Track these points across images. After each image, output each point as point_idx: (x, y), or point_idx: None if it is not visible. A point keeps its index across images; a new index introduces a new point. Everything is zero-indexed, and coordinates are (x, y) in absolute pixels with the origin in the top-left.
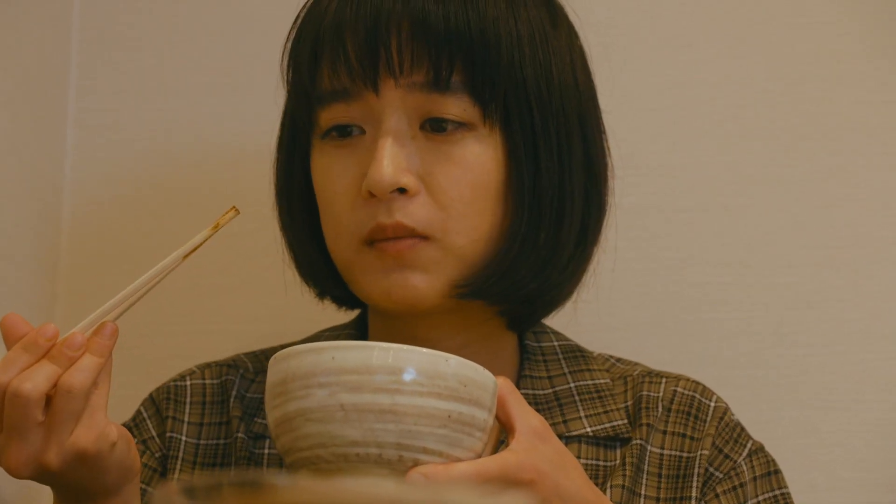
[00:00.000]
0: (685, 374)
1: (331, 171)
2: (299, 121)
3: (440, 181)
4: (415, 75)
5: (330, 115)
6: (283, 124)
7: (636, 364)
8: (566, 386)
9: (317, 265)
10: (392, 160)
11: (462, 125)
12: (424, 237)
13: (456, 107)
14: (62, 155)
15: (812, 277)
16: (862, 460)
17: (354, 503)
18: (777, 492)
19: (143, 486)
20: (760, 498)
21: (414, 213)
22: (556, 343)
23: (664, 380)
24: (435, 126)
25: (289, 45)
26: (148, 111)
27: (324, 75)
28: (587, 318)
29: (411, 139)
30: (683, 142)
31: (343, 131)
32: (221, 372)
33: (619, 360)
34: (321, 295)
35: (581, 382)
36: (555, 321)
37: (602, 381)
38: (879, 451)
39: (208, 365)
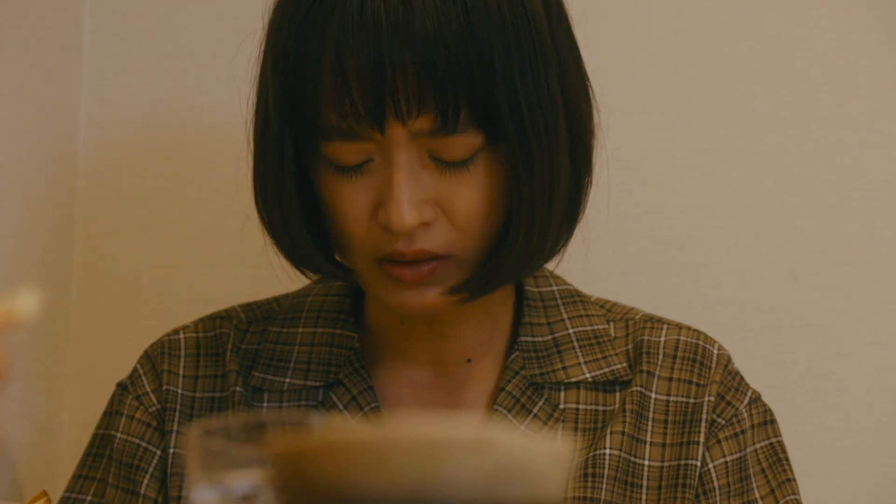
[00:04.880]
0: (701, 317)
1: (340, 193)
2: (293, 128)
3: (457, 206)
4: (421, 120)
5: (334, 149)
6: (264, 118)
7: (633, 308)
8: (565, 332)
9: (317, 261)
10: (410, 201)
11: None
12: (444, 257)
13: (464, 142)
14: (77, 100)
15: (826, 222)
16: (875, 403)
17: (400, 444)
18: (773, 440)
19: (137, 440)
20: (758, 445)
21: (434, 239)
22: (555, 288)
23: (665, 326)
24: (446, 160)
25: (278, 47)
26: (162, 56)
27: (328, 111)
28: (604, 263)
29: (422, 168)
30: (697, 87)
31: (350, 167)
32: (215, 325)
33: (615, 304)
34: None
35: (580, 328)
36: (571, 266)
37: (600, 326)
38: (893, 395)
39: (202, 319)
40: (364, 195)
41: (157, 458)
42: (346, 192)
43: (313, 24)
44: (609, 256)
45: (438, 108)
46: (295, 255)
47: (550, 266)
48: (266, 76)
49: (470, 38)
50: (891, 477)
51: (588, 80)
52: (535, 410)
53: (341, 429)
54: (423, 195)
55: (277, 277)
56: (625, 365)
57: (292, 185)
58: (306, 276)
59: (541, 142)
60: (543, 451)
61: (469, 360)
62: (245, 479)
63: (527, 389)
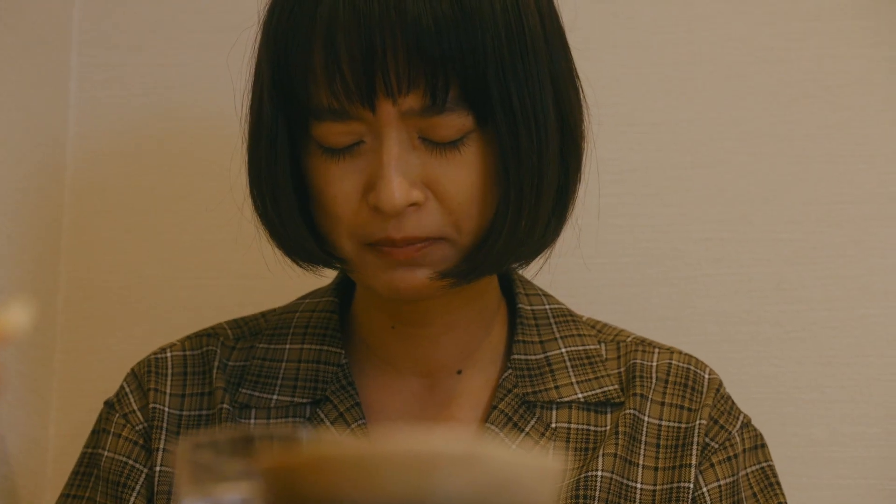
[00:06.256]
0: (689, 329)
1: (329, 175)
2: (285, 113)
3: (447, 188)
4: (411, 98)
5: (325, 130)
6: (259, 105)
7: (623, 329)
8: (557, 351)
9: (308, 249)
10: (400, 179)
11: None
12: (437, 239)
13: (454, 122)
14: (65, 109)
15: (813, 233)
16: (863, 415)
17: (389, 458)
18: (764, 464)
19: (124, 458)
20: (749, 470)
21: (425, 224)
22: (547, 307)
23: (657, 350)
24: (436, 140)
25: (271, 32)
26: (150, 66)
27: (319, 92)
28: (593, 274)
29: (413, 150)
30: (686, 98)
31: (340, 149)
32: (201, 342)
33: (605, 325)
34: (311, 267)
35: (572, 348)
36: (563, 279)
37: (592, 346)
38: (880, 406)
39: (188, 337)
40: (353, 178)
41: (143, 475)
42: (335, 175)
43: (305, 10)
44: (599, 268)
45: (428, 85)
46: (288, 243)
47: (535, 269)
48: (261, 67)
49: (461, 25)
50: (878, 488)
51: (579, 81)
52: (526, 429)
53: (330, 443)
54: (414, 175)
55: (266, 289)
56: (617, 387)
57: (286, 171)
58: (298, 265)
59: (529, 127)
60: (533, 465)
61: (460, 372)
62: (234, 493)
63: (519, 408)
